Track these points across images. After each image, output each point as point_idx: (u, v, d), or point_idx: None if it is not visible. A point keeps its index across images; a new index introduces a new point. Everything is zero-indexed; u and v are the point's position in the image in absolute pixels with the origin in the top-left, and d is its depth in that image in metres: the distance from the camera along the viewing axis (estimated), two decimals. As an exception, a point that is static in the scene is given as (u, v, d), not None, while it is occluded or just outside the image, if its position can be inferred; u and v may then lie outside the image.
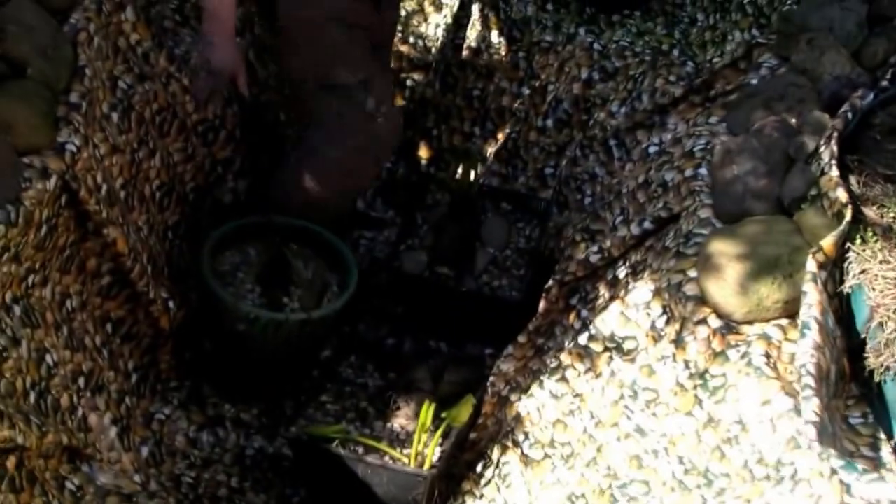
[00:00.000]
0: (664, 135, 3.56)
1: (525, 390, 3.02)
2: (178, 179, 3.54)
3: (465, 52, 4.25)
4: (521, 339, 3.15)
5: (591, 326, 2.84)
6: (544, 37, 4.18)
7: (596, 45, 4.09)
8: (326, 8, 3.44)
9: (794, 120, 2.98)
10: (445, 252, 3.67)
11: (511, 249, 3.72)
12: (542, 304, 3.16)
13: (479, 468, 3.06)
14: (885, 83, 3.04)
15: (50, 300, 2.94)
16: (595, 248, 3.11)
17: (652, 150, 3.53)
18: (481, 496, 3.00)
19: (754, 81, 3.35)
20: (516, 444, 2.93)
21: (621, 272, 3.04)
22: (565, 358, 2.86)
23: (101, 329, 3.18)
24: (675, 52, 4.04)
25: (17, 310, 2.79)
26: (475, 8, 4.26)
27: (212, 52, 3.35)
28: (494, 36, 4.23)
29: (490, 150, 4.16)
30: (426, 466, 3.00)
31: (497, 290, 3.62)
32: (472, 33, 4.24)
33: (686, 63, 3.96)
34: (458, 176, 3.87)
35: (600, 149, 3.93)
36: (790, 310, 2.51)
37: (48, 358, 2.85)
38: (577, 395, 2.82)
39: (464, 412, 3.01)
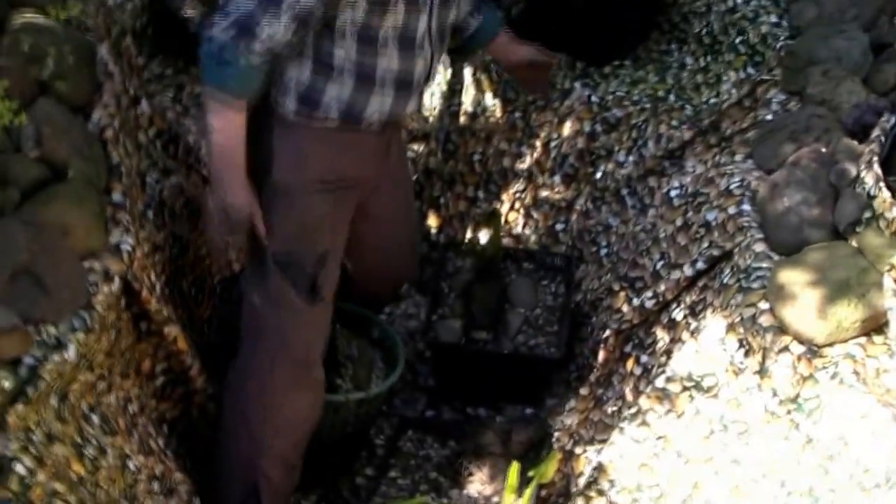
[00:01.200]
0: (683, 178, 3.82)
1: (593, 441, 3.23)
2: (207, 272, 3.69)
3: (462, 118, 4.49)
4: (584, 391, 3.35)
5: (665, 368, 3.06)
6: (539, 94, 4.44)
7: (594, 98, 4.36)
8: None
9: (824, 149, 3.26)
10: (478, 318, 3.86)
11: (541, 308, 3.93)
12: (601, 355, 3.37)
13: (565, 523, 3.24)
14: (904, 106, 3.35)
15: (116, 406, 3.05)
16: (649, 294, 3.33)
17: (674, 193, 3.78)
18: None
19: (769, 117, 3.64)
20: (601, 492, 3.10)
21: (678, 314, 3.26)
22: (644, 402, 3.06)
23: (160, 430, 3.30)
24: (672, 98, 4.33)
25: (94, 418, 2.88)
26: (467, 73, 4.50)
27: (225, 194, 3.12)
28: (489, 99, 4.47)
29: (502, 211, 4.39)
30: (517, 527, 3.17)
31: (535, 349, 3.82)
32: (467, 98, 4.49)
33: (684, 107, 4.25)
34: (482, 240, 4.08)
35: (612, 199, 4.18)
36: (867, 327, 2.76)
37: (130, 464, 2.95)
38: (660, 438, 3.02)
39: (550, 468, 3.19)
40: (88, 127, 3.28)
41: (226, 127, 3.05)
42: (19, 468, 2.44)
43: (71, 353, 2.71)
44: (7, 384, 2.51)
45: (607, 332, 3.38)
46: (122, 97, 3.49)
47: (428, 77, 3.20)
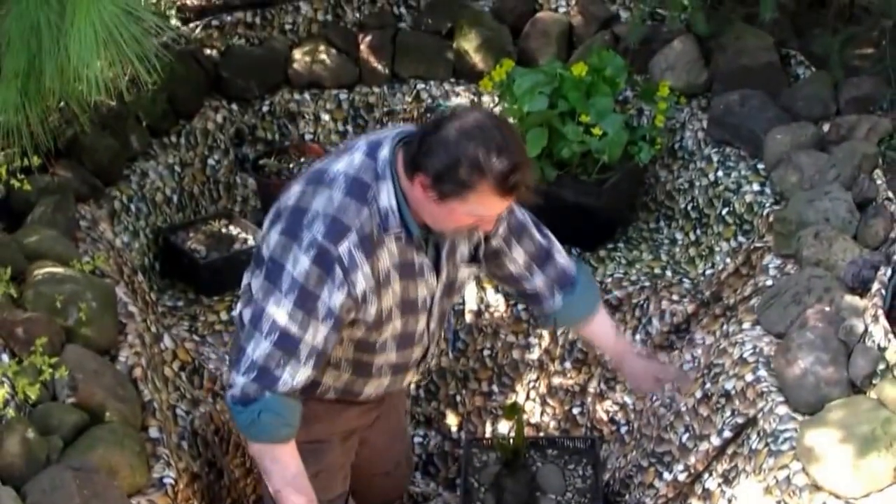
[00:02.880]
0: (694, 350, 3.97)
1: None
2: (243, 493, 3.78)
3: (468, 316, 4.65)
4: None
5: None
6: (540, 285, 4.62)
7: (593, 282, 4.53)
8: None
9: (828, 308, 3.42)
10: (511, 508, 3.96)
11: (571, 491, 4.01)
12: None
13: None
14: (897, 258, 3.53)
15: None
16: (680, 467, 3.44)
17: (687, 367, 3.93)
18: None
19: (769, 283, 3.81)
20: None
21: (711, 483, 3.37)
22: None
23: None
24: (669, 273, 4.51)
25: None
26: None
27: None
28: (491, 295, 4.64)
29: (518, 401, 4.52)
30: None
31: (572, 534, 3.92)
32: (470, 296, 4.65)
33: (682, 281, 4.43)
34: (504, 432, 4.20)
35: (624, 379, 4.31)
36: (898, 475, 2.88)
37: None
38: None
39: None
40: (117, 367, 3.41)
41: (278, 466, 2.99)
42: None
43: None
44: None
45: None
46: (145, 335, 3.64)
47: (426, 354, 3.22)
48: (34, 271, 3.53)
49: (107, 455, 3.04)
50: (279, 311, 2.79)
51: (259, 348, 2.82)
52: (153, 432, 3.28)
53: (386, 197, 2.79)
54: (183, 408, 3.62)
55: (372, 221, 2.79)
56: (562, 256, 3.31)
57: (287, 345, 2.81)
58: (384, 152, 2.81)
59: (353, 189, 2.78)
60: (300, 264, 2.76)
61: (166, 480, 3.14)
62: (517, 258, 3.24)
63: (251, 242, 4.64)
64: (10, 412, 2.94)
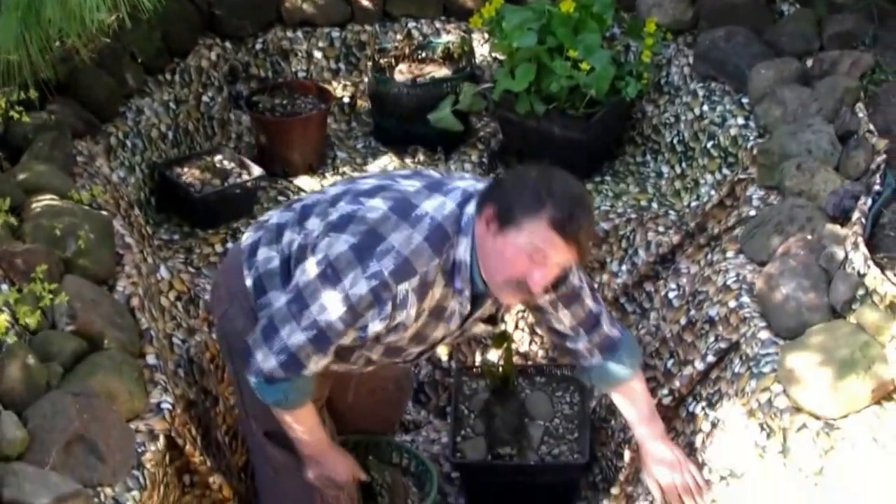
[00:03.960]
0: (679, 279, 3.98)
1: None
2: (237, 420, 3.79)
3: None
4: (615, 490, 3.44)
5: (702, 462, 3.18)
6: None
7: (581, 215, 4.53)
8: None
9: (810, 237, 3.43)
10: (500, 434, 3.97)
11: (559, 417, 4.03)
12: (626, 455, 3.48)
13: None
14: (877, 187, 3.53)
15: (167, 562, 3.15)
16: (665, 391, 3.46)
17: (672, 295, 3.94)
18: None
19: (752, 213, 3.82)
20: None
21: (696, 407, 3.39)
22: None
23: (215, 578, 3.38)
24: (655, 205, 4.52)
25: (156, 579, 2.99)
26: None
27: (324, 470, 3.29)
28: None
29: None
30: None
31: (559, 457, 3.92)
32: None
33: (668, 213, 4.44)
34: (494, 361, 4.21)
35: (612, 308, 4.32)
36: (878, 396, 2.90)
37: None
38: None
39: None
40: (115, 297, 3.42)
41: (301, 425, 3.17)
42: None
43: (129, 512, 2.81)
44: (77, 548, 2.60)
45: (631, 433, 3.48)
46: (142, 266, 3.64)
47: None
48: (32, 204, 3.53)
49: (106, 381, 3.06)
50: (322, 317, 2.85)
51: (294, 337, 2.89)
52: (150, 359, 3.29)
53: (462, 251, 2.83)
54: (179, 336, 3.63)
55: (438, 271, 2.83)
56: (610, 324, 3.22)
57: (321, 343, 2.90)
58: (472, 208, 2.83)
59: (433, 237, 2.80)
60: (358, 287, 2.80)
61: (164, 406, 3.16)
62: (563, 319, 3.16)
63: (245, 177, 4.63)
64: (11, 339, 2.94)
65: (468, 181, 2.97)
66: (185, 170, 4.64)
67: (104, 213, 3.71)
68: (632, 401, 3.28)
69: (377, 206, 2.87)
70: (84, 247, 3.40)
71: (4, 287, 3.11)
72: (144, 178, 4.56)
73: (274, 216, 3.17)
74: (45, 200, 3.55)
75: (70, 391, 2.94)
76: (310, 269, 2.87)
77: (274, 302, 3.01)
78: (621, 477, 3.47)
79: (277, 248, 3.07)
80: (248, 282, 3.13)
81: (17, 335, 2.99)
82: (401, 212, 2.84)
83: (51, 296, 3.08)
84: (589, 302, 3.15)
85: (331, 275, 2.82)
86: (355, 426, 3.71)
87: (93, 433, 2.87)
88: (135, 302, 3.44)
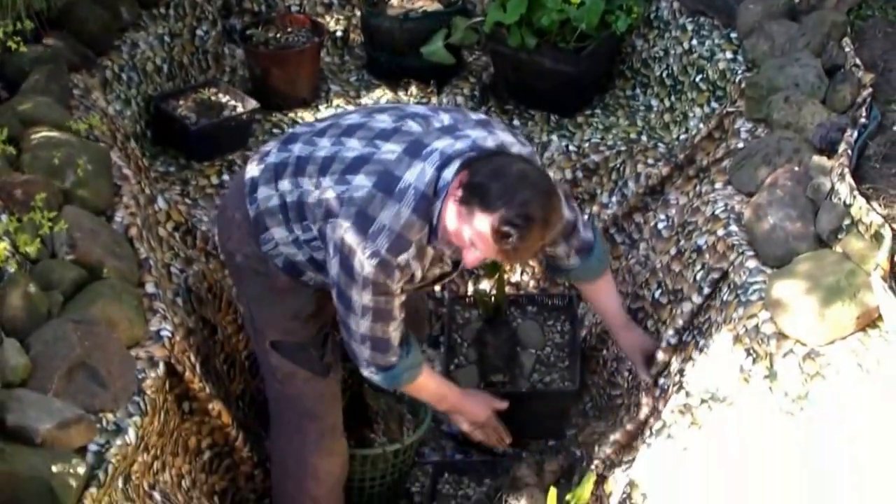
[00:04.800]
0: (668, 210, 3.98)
1: (623, 463, 3.35)
2: (235, 349, 3.81)
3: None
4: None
5: (682, 385, 3.20)
6: (520, 150, 4.61)
7: (571, 147, 4.54)
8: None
9: (797, 168, 3.43)
10: (492, 362, 3.99)
11: (550, 346, 4.06)
12: (620, 382, 3.51)
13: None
14: (863, 120, 3.53)
15: (172, 483, 3.16)
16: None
17: (661, 226, 3.95)
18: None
19: (740, 145, 3.81)
20: (634, 508, 3.24)
21: (686, 336, 3.41)
22: (668, 417, 3.20)
23: (214, 502, 3.40)
24: (644, 138, 4.51)
25: (157, 496, 3.00)
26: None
27: (467, 416, 3.63)
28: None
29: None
30: (561, 551, 3.28)
31: (550, 385, 3.95)
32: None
33: (657, 145, 4.43)
34: (486, 290, 4.22)
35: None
36: (862, 323, 2.91)
37: (194, 537, 3.08)
38: (685, 449, 3.15)
39: (586, 491, 3.29)
40: (114, 227, 3.41)
41: (425, 392, 3.42)
42: (103, 547, 2.53)
43: (131, 436, 2.83)
44: (81, 470, 2.61)
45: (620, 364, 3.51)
46: (140, 197, 3.63)
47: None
48: (31, 136, 3.51)
49: (106, 309, 3.06)
50: (364, 298, 2.99)
51: (362, 326, 3.06)
52: (149, 288, 3.29)
53: (442, 209, 2.90)
54: (177, 266, 3.63)
55: (428, 233, 2.94)
56: (584, 228, 3.38)
57: (384, 316, 3.04)
58: (449, 172, 2.89)
59: (420, 207, 2.89)
60: (366, 268, 2.92)
61: (163, 333, 3.17)
62: None
63: (240, 109, 4.61)
64: (12, 267, 2.94)
65: (445, 139, 2.97)
66: (181, 103, 4.61)
67: (101, 144, 3.69)
68: (606, 293, 3.56)
69: (362, 185, 2.93)
70: (82, 177, 3.39)
71: (4, 217, 3.09)
72: (140, 112, 4.53)
73: (272, 152, 3.20)
74: (42, 132, 3.53)
75: (71, 319, 2.95)
76: (332, 264, 2.99)
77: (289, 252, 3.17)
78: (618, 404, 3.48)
79: (276, 189, 3.12)
80: (252, 214, 3.19)
81: (18, 264, 2.99)
82: (385, 187, 2.91)
83: (50, 223, 3.07)
84: (566, 213, 3.24)
85: (345, 262, 2.95)
86: None
87: (94, 360, 2.88)
88: (133, 232, 3.43)
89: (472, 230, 2.83)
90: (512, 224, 2.76)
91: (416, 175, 2.90)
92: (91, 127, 3.71)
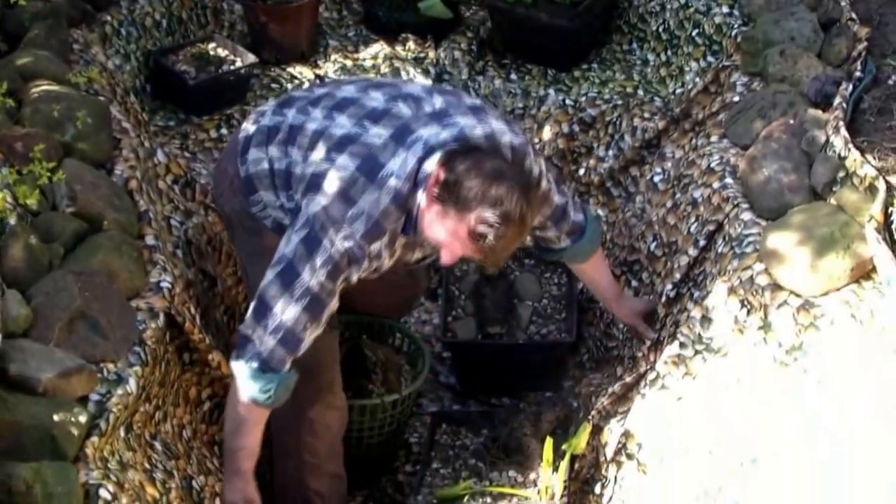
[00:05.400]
0: (664, 164, 3.97)
1: (618, 414, 3.36)
2: (235, 301, 3.80)
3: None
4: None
5: (677, 336, 3.20)
6: (517, 104, 4.60)
7: (568, 101, 4.51)
8: None
9: (792, 121, 3.41)
10: (490, 314, 4.00)
11: (547, 298, 4.06)
12: (616, 334, 3.51)
13: (598, 489, 3.36)
14: (858, 74, 3.51)
15: (173, 433, 3.16)
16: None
17: (657, 179, 3.93)
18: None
19: (736, 99, 3.79)
20: (630, 456, 3.23)
21: (682, 288, 3.41)
22: (662, 368, 3.20)
23: (214, 452, 3.40)
24: (641, 92, 4.48)
25: (157, 445, 3.00)
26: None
27: (228, 490, 3.18)
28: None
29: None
30: (557, 498, 3.30)
31: (548, 336, 3.96)
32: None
33: (654, 99, 4.40)
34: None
35: (598, 192, 4.33)
36: (856, 275, 2.91)
37: (194, 484, 3.07)
38: (679, 399, 3.15)
39: (582, 440, 3.31)
40: (113, 179, 3.40)
41: (248, 435, 3.14)
42: (104, 493, 2.53)
43: (132, 386, 2.83)
44: (83, 419, 2.61)
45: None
46: (139, 150, 3.61)
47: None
48: (30, 90, 3.49)
49: (106, 260, 3.06)
50: (314, 280, 2.88)
51: (289, 311, 2.91)
52: (149, 240, 3.28)
53: (419, 201, 2.85)
54: (177, 218, 3.61)
55: (403, 222, 2.91)
56: (574, 210, 3.33)
57: (316, 310, 2.93)
58: (430, 164, 2.84)
59: (399, 196, 2.86)
60: (336, 246, 2.86)
61: (163, 285, 3.16)
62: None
63: (238, 64, 4.57)
64: (13, 219, 2.93)
65: (432, 126, 2.92)
66: (180, 57, 4.57)
67: (101, 98, 3.66)
68: (596, 270, 3.54)
69: (345, 165, 2.90)
70: (82, 130, 3.37)
71: (4, 170, 3.07)
72: (139, 66, 4.49)
73: (267, 114, 3.19)
74: (42, 86, 3.51)
75: (72, 270, 2.94)
76: (292, 238, 2.91)
77: (260, 248, 3.13)
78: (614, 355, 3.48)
79: (265, 153, 3.12)
80: (242, 174, 3.18)
81: (20, 217, 2.98)
82: (367, 172, 2.88)
83: (49, 174, 3.05)
84: (556, 199, 3.22)
85: (312, 238, 2.88)
86: (364, 309, 3.76)
87: (94, 310, 2.88)
88: (133, 184, 3.42)
89: (447, 230, 2.79)
90: (487, 224, 2.70)
91: (399, 164, 2.87)
92: (90, 81, 3.69)
